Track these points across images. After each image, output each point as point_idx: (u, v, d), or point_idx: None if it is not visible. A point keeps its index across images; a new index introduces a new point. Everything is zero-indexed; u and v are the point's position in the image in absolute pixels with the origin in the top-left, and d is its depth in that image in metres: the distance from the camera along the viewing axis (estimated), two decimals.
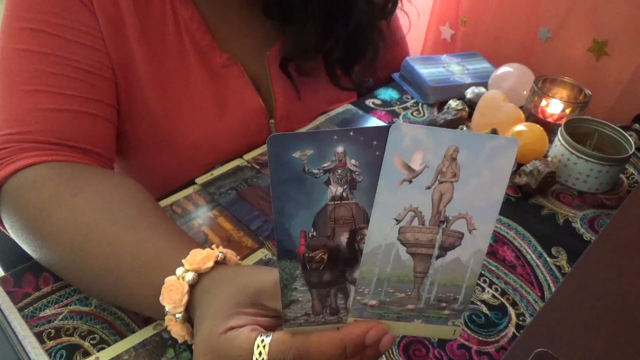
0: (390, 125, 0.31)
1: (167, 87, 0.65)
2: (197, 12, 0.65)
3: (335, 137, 0.32)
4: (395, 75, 0.94)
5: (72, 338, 0.47)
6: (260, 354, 0.34)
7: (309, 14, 0.66)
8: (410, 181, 0.32)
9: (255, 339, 0.35)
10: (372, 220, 0.33)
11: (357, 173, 0.33)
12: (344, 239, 0.34)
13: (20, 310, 0.49)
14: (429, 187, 0.33)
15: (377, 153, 0.32)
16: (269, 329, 0.38)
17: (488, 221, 0.34)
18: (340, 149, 0.32)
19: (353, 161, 0.32)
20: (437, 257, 0.34)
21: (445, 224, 0.34)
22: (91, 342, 0.47)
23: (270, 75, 0.72)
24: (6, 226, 0.52)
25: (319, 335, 0.35)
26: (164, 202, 0.63)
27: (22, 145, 0.52)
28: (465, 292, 0.35)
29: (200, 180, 0.67)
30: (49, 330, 0.48)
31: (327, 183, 0.33)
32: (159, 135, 0.67)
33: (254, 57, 0.71)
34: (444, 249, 0.34)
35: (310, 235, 0.34)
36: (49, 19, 0.55)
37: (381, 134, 0.31)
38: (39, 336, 0.47)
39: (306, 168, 0.32)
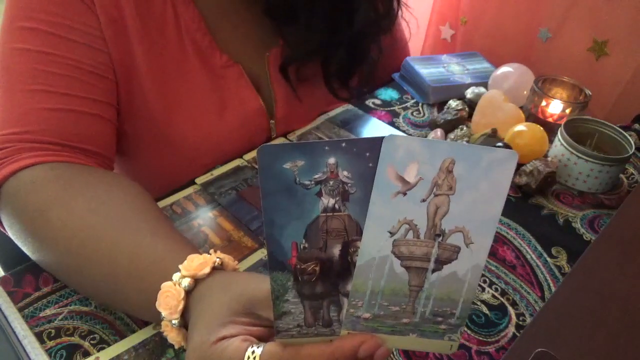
0: (383, 137, 0.31)
1: (168, 87, 0.65)
2: (197, 13, 0.64)
3: (327, 147, 0.31)
4: (395, 75, 0.94)
5: (72, 338, 0.47)
6: None
7: (314, 14, 0.65)
8: (405, 193, 0.32)
9: (246, 350, 0.34)
10: (366, 232, 0.33)
11: (349, 185, 0.32)
12: (336, 251, 0.33)
13: (20, 310, 0.49)
14: (424, 200, 0.32)
15: (370, 164, 0.31)
16: (262, 338, 0.37)
17: (486, 235, 0.33)
18: (331, 160, 0.31)
19: (345, 172, 0.32)
20: (433, 270, 0.34)
21: (441, 238, 0.33)
22: (91, 342, 0.47)
23: (270, 75, 0.72)
24: (5, 226, 0.52)
25: (310, 348, 0.34)
26: (164, 202, 0.63)
27: (22, 145, 0.52)
28: (462, 307, 0.34)
29: (200, 180, 0.67)
30: (49, 330, 0.48)
31: (319, 195, 0.32)
32: (159, 135, 0.67)
33: (254, 57, 0.71)
34: (440, 263, 0.33)
35: (302, 247, 0.33)
36: (50, 19, 0.55)
37: (374, 145, 0.31)
38: (39, 336, 0.47)
39: (297, 179, 0.32)
